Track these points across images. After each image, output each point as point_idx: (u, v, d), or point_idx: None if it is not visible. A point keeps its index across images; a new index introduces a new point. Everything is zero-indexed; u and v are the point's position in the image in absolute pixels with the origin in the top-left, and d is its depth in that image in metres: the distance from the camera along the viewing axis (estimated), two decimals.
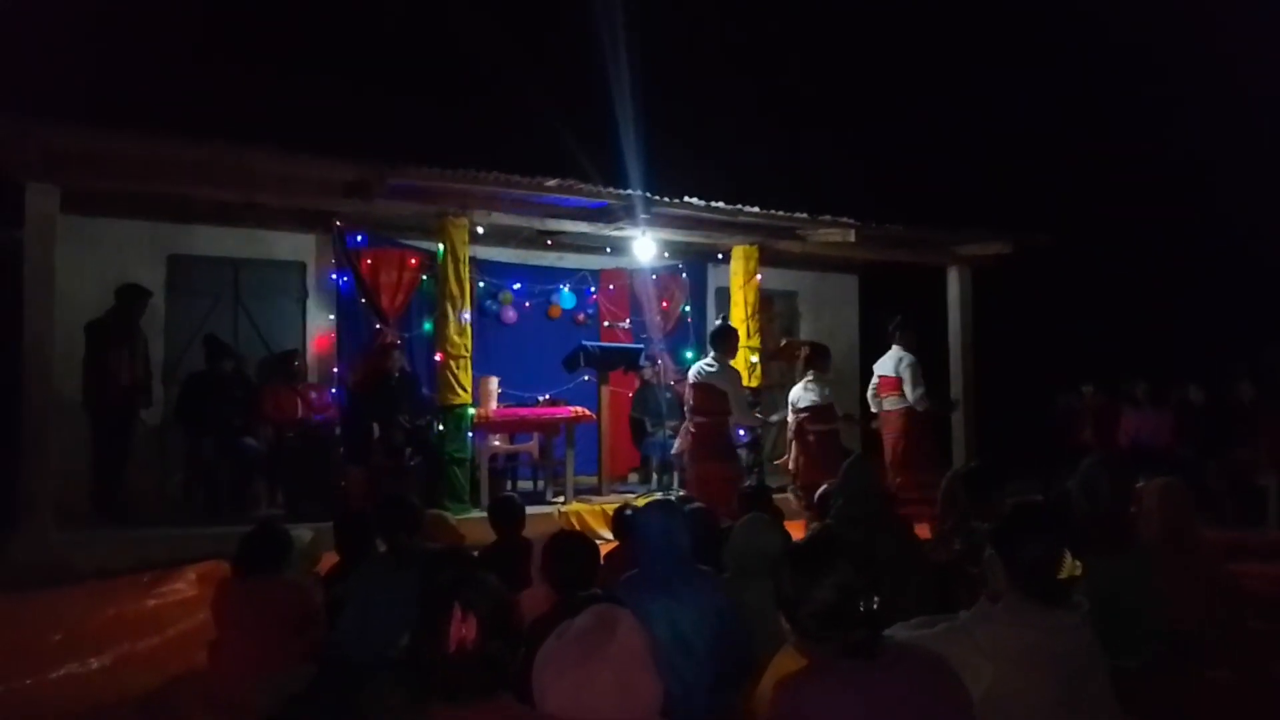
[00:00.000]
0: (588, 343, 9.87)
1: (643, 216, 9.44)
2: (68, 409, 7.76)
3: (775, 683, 2.40)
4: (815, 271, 13.16)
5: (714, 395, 8.01)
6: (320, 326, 10.13)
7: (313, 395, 9.01)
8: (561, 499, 9.11)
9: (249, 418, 8.50)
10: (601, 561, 4.05)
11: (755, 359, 10.17)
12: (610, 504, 8.41)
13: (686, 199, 9.57)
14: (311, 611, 4.30)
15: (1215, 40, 15.10)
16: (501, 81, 14.99)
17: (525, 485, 10.13)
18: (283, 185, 8.28)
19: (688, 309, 11.76)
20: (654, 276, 11.35)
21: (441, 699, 2.07)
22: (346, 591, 4.29)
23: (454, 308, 8.78)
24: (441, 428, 8.79)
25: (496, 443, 9.58)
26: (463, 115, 14.61)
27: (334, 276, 9.66)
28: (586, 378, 10.27)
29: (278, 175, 8.21)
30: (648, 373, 10.48)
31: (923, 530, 6.35)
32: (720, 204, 9.74)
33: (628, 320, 11.53)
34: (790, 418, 9.02)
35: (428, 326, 9.67)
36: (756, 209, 9.95)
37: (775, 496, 6.64)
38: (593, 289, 11.39)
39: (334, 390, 9.39)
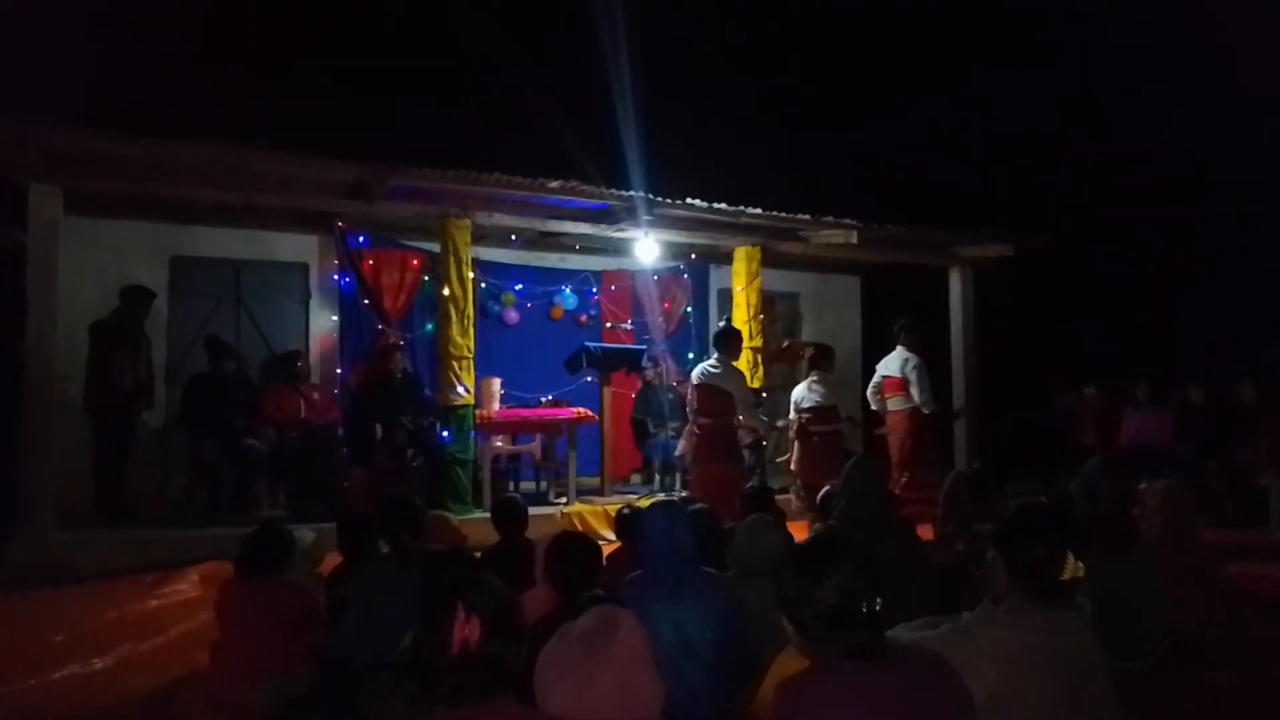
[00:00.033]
0: (590, 344, 9.87)
1: (645, 218, 9.45)
2: (69, 410, 7.77)
3: (777, 684, 2.40)
4: (817, 273, 13.17)
5: (718, 396, 8.02)
6: (322, 327, 10.14)
7: (315, 396, 9.01)
8: (564, 500, 9.11)
9: (251, 419, 8.49)
10: (604, 562, 4.06)
11: (758, 359, 10.17)
12: (612, 505, 8.43)
13: (688, 200, 9.58)
14: (314, 612, 4.30)
15: (1215, 40, 15.09)
16: (503, 82, 14.98)
17: (527, 486, 10.12)
18: (284, 186, 8.29)
19: (690, 310, 11.76)
20: (656, 278, 11.35)
21: (444, 700, 2.07)
22: (349, 592, 4.30)
23: (456, 309, 8.79)
24: (445, 433, 8.79)
25: (499, 444, 9.58)
26: (464, 116, 14.61)
27: (336, 278, 9.66)
28: (589, 379, 10.27)
29: (279, 176, 8.22)
30: (650, 374, 10.48)
31: (925, 531, 6.36)
32: (722, 205, 9.76)
33: (630, 321, 11.52)
34: (792, 417, 9.04)
35: (429, 327, 9.68)
36: (758, 210, 9.97)
37: (777, 498, 6.64)
38: (595, 290, 11.39)
39: (336, 391, 9.39)
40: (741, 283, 10.40)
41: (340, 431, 8.93)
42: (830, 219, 10.51)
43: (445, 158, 8.60)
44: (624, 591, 3.49)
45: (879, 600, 2.32)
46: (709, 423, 8.03)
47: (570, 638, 2.28)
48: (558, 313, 11.14)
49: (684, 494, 8.42)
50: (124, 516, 7.90)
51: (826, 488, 6.03)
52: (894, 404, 9.26)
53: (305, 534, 5.14)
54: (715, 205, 9.72)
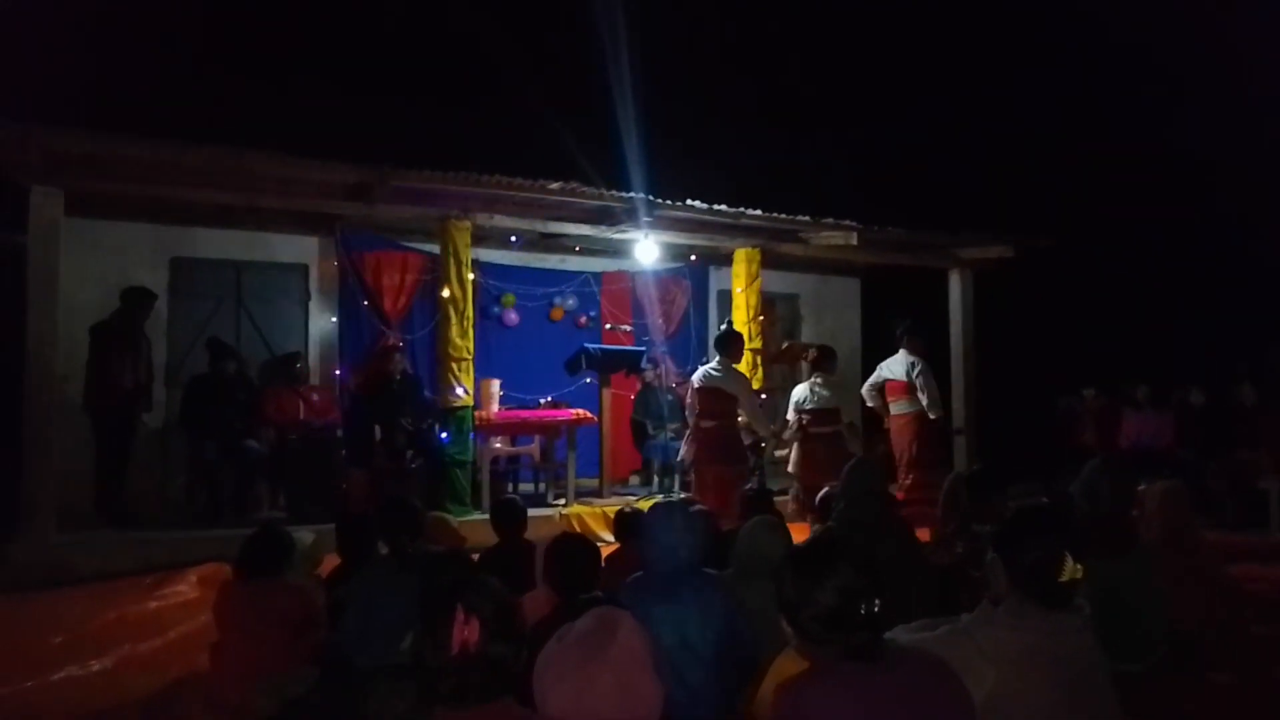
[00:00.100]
0: (589, 345, 9.87)
1: (645, 219, 9.46)
2: (70, 411, 7.77)
3: (776, 685, 2.40)
4: (817, 274, 13.18)
5: (721, 399, 8.03)
6: (322, 329, 10.14)
7: (315, 398, 9.01)
8: (563, 501, 9.11)
9: (251, 420, 8.49)
10: (603, 564, 4.06)
11: (758, 360, 10.18)
12: (611, 506, 8.43)
13: (689, 201, 9.59)
14: (313, 614, 4.30)
15: (1215, 40, 15.10)
16: (503, 84, 15.01)
17: (526, 488, 10.11)
18: (285, 188, 8.30)
19: (690, 312, 11.76)
20: (656, 279, 11.35)
21: (444, 702, 2.07)
22: (348, 594, 4.29)
23: (456, 310, 8.79)
24: (442, 430, 8.80)
25: (498, 445, 9.57)
26: (464, 118, 14.60)
27: (338, 279, 9.65)
28: (588, 380, 10.27)
29: (279, 178, 8.22)
30: (649, 375, 10.47)
31: (925, 533, 6.36)
32: (722, 207, 9.76)
33: (629, 323, 11.52)
34: (792, 418, 9.05)
35: (429, 329, 9.68)
36: (758, 211, 9.98)
37: (777, 499, 6.63)
38: (595, 291, 11.39)
39: (336, 393, 9.39)
40: (741, 284, 10.40)
41: (340, 433, 8.93)
42: (830, 220, 10.51)
43: (445, 159, 8.62)
44: (624, 593, 3.49)
45: (878, 602, 2.32)
46: (712, 425, 8.03)
47: (569, 639, 2.28)
48: (557, 314, 11.14)
49: (684, 495, 8.42)
50: (124, 518, 7.90)
51: (826, 489, 6.03)
52: (897, 408, 9.27)
53: (305, 535, 5.14)
54: (715, 207, 9.73)
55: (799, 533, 6.06)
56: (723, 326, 9.44)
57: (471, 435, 8.89)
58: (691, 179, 10.76)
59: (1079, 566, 2.69)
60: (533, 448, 9.96)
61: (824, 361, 9.15)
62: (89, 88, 11.29)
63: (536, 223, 9.48)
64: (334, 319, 9.83)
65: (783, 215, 10.20)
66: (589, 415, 9.45)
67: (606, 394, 9.71)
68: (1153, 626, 4.22)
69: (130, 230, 9.17)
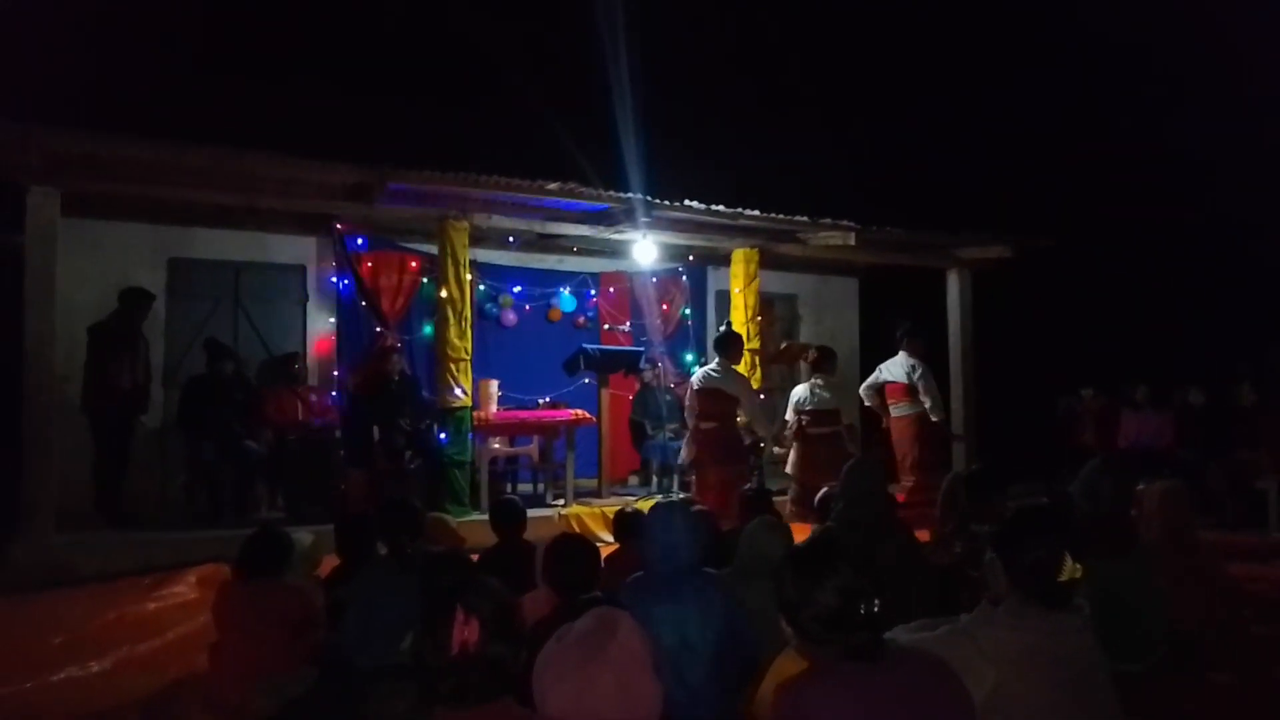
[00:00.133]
0: (588, 345, 9.87)
1: (643, 219, 9.46)
2: (69, 412, 7.77)
3: (776, 685, 2.40)
4: (815, 274, 13.18)
5: (722, 400, 8.04)
6: (321, 329, 10.14)
7: (313, 398, 9.01)
8: (561, 502, 9.10)
9: (250, 421, 8.49)
10: (602, 564, 4.06)
11: (757, 360, 10.17)
12: (610, 507, 8.43)
13: (687, 202, 9.59)
14: (312, 614, 4.30)
15: (1215, 40, 15.11)
16: (501, 84, 15.01)
17: (525, 488, 10.10)
18: (283, 189, 8.30)
19: (688, 312, 11.76)
20: (654, 279, 11.35)
21: (444, 702, 2.07)
22: (348, 594, 4.29)
23: (454, 311, 8.79)
24: (441, 430, 8.80)
25: (496, 445, 9.57)
26: (463, 118, 14.60)
27: (334, 279, 9.66)
28: (586, 380, 10.27)
29: (278, 179, 8.22)
30: (648, 375, 10.47)
31: (926, 534, 6.36)
32: (720, 207, 9.76)
33: (628, 323, 11.52)
34: (791, 418, 9.06)
35: (428, 329, 9.69)
36: (757, 212, 9.97)
37: (775, 499, 6.63)
38: (593, 292, 11.39)
39: (334, 393, 9.39)
40: (740, 284, 10.40)
41: (338, 433, 8.93)
42: (828, 220, 10.51)
43: (444, 160, 8.61)
44: (624, 593, 3.49)
45: (878, 602, 2.32)
46: (712, 427, 8.04)
47: (569, 640, 2.28)
48: (555, 315, 11.14)
49: (682, 495, 8.42)
50: (123, 518, 7.91)
51: (825, 489, 6.03)
52: (897, 410, 9.27)
53: (304, 536, 5.14)
54: (713, 207, 9.72)
55: (799, 533, 6.06)
56: (722, 328, 9.44)
57: (470, 436, 8.88)
58: (690, 179, 10.76)
59: (1078, 566, 2.69)
60: (531, 448, 9.96)
61: (824, 363, 9.16)
62: (88, 88, 11.28)
63: (535, 223, 9.48)
64: (332, 319, 9.82)
65: (781, 215, 10.20)
66: (587, 416, 9.45)
67: (605, 394, 9.71)
68: (1153, 626, 4.22)
69: (128, 231, 9.17)
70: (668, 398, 10.38)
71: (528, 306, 10.90)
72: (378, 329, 9.55)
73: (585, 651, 2.24)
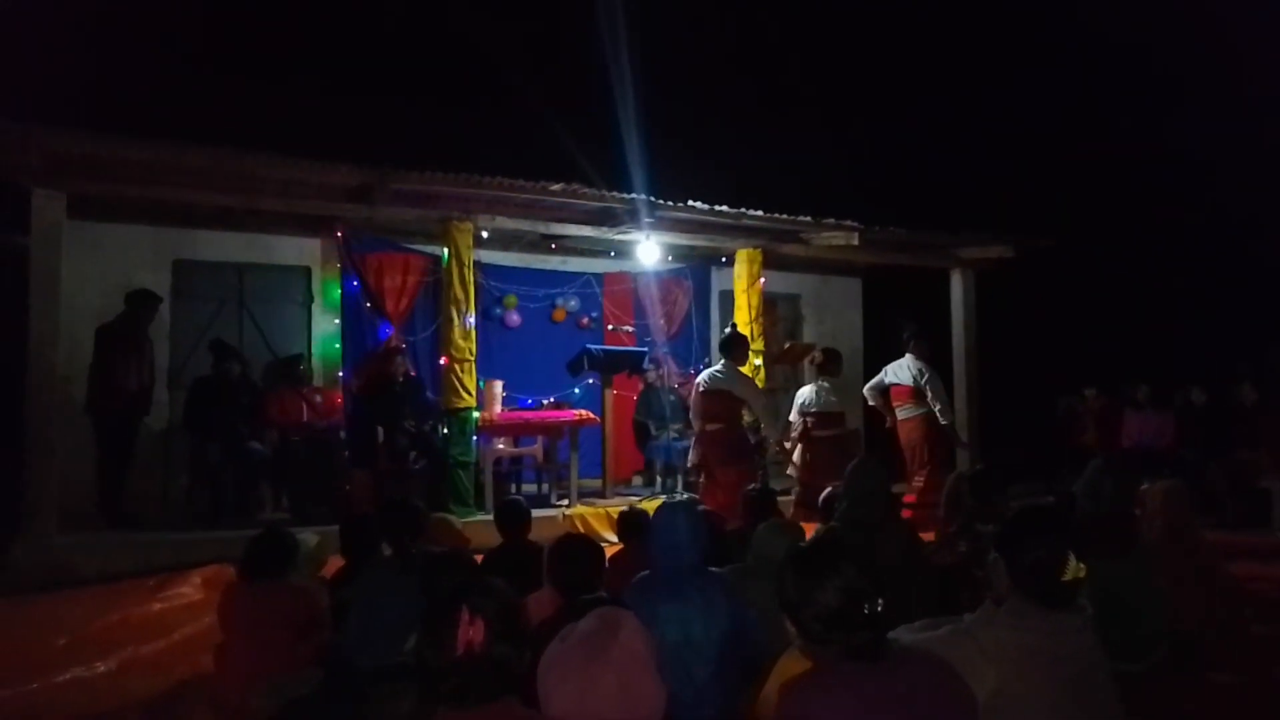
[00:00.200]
0: (592, 346, 9.87)
1: (646, 220, 9.47)
2: (72, 413, 7.78)
3: (779, 685, 2.41)
4: (818, 274, 13.18)
5: (727, 401, 8.04)
6: (325, 331, 10.14)
7: (317, 399, 9.02)
8: (565, 502, 9.11)
9: (254, 422, 8.50)
10: (606, 564, 4.07)
11: (759, 362, 10.17)
12: (614, 507, 8.44)
13: (690, 202, 9.60)
14: (317, 615, 4.30)
15: (1215, 40, 15.11)
16: (505, 85, 15.01)
17: (529, 488, 10.10)
18: (287, 190, 8.31)
19: (691, 312, 11.76)
20: (657, 280, 11.35)
21: (448, 702, 2.07)
22: (352, 595, 4.30)
23: (459, 312, 8.81)
24: (446, 431, 8.81)
25: (501, 446, 9.58)
26: (466, 119, 14.62)
27: (340, 281, 9.66)
28: (590, 381, 10.29)
29: (281, 180, 8.24)
30: (651, 376, 10.48)
31: (924, 533, 6.37)
32: (724, 207, 9.77)
33: (632, 324, 11.53)
34: (795, 419, 9.06)
35: (431, 330, 9.70)
36: (760, 212, 9.99)
37: (779, 499, 6.64)
38: (597, 292, 11.39)
39: (339, 395, 9.40)
40: (743, 285, 10.41)
41: (342, 434, 8.94)
42: (831, 221, 10.52)
43: (447, 161, 8.63)
44: (630, 593, 3.50)
45: (880, 602, 2.32)
46: (718, 428, 8.04)
47: (571, 640, 2.29)
48: (560, 315, 11.14)
49: (687, 495, 8.43)
50: (126, 519, 7.91)
51: (828, 489, 6.04)
52: (903, 412, 9.27)
53: (308, 537, 5.15)
54: (717, 207, 9.74)
55: (808, 534, 6.07)
56: (727, 329, 9.44)
57: (474, 436, 8.90)
58: (693, 180, 10.79)
59: (1080, 566, 2.69)
60: (535, 449, 9.96)
61: (830, 365, 9.18)
62: (89, 89, 11.31)
63: (538, 224, 9.48)
64: (336, 321, 9.83)
65: (784, 215, 10.21)
66: (591, 416, 9.45)
67: (609, 395, 9.71)
68: (1153, 626, 4.23)
69: (132, 232, 9.18)
70: (671, 398, 10.39)
71: (532, 307, 10.90)
72: (382, 330, 9.56)
73: (588, 652, 2.25)
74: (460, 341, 8.80)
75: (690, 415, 8.87)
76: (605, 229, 9.67)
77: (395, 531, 4.69)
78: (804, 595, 2.38)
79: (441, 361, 8.94)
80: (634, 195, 9.25)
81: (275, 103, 13.03)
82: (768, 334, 10.84)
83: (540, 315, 11.01)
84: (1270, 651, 4.98)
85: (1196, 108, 16.26)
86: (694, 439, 8.47)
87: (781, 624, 2.51)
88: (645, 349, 10.58)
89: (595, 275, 11.34)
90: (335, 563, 5.27)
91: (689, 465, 9.23)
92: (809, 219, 10.41)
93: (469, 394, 8.80)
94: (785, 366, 12.31)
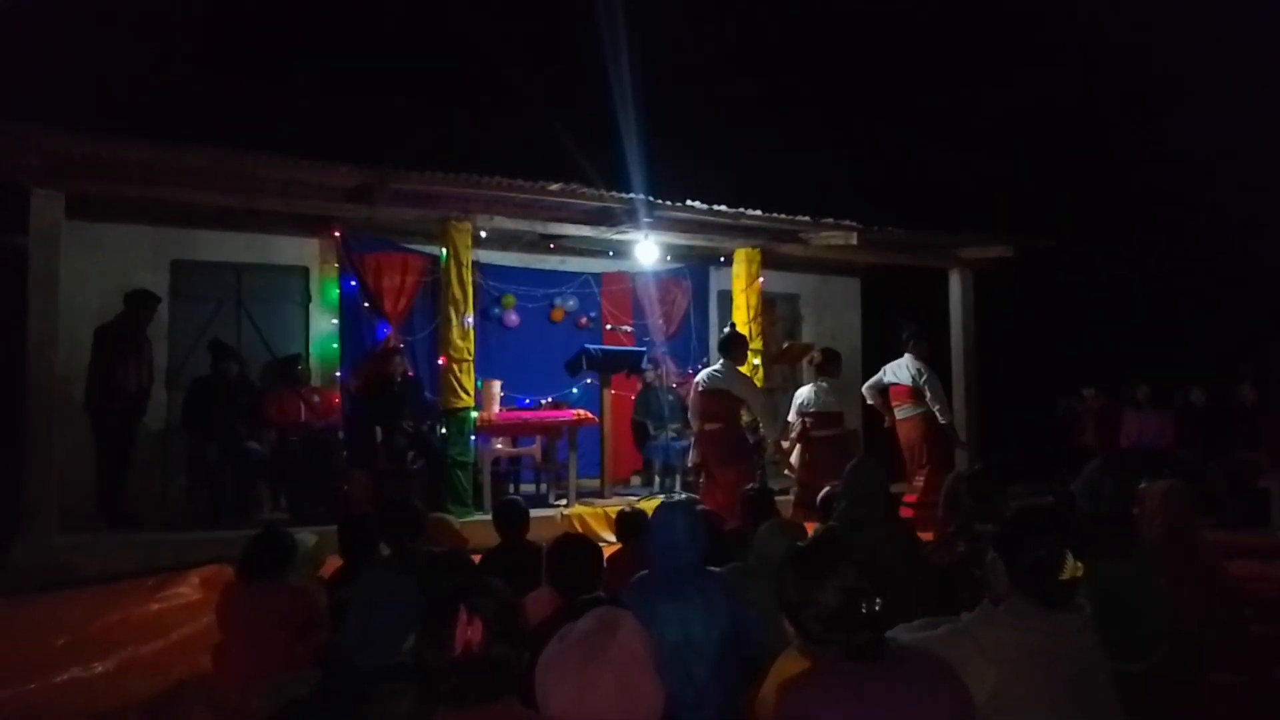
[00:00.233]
0: (590, 346, 9.86)
1: (645, 220, 9.47)
2: (71, 413, 7.77)
3: (778, 685, 2.40)
4: (817, 274, 13.18)
5: (726, 401, 8.04)
6: (323, 331, 10.14)
7: (315, 399, 9.01)
8: (564, 502, 9.11)
9: (253, 422, 8.50)
10: (604, 564, 4.07)
11: (758, 361, 10.17)
12: (613, 507, 8.43)
13: (689, 202, 9.60)
14: (315, 615, 4.30)
15: (1215, 40, 15.11)
16: (503, 85, 15.02)
17: (528, 488, 10.11)
18: (285, 191, 8.31)
19: (690, 312, 11.76)
20: (656, 280, 11.35)
21: (447, 702, 2.07)
22: (350, 595, 4.29)
23: (457, 312, 8.81)
24: (444, 431, 8.81)
25: (499, 446, 9.58)
26: (464, 119, 14.62)
27: (339, 281, 9.66)
28: (589, 381, 10.28)
29: (280, 181, 8.23)
30: (650, 376, 10.48)
31: (926, 533, 6.37)
32: (722, 207, 9.77)
33: (630, 324, 11.53)
34: (794, 419, 9.06)
35: (430, 330, 9.70)
36: (759, 212, 9.98)
37: (778, 499, 6.63)
38: (595, 292, 11.38)
39: (336, 395, 9.39)
40: (742, 284, 10.41)
41: (341, 434, 8.94)
42: (830, 220, 10.52)
43: (445, 161, 8.62)
44: (631, 592, 3.49)
45: (879, 601, 2.32)
46: (716, 428, 8.04)
47: (570, 640, 2.29)
48: (558, 315, 11.14)
49: (685, 495, 8.43)
50: (125, 519, 7.91)
51: (827, 489, 6.04)
52: (902, 412, 9.28)
53: (306, 537, 5.15)
54: (715, 207, 9.74)
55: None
56: (726, 329, 9.45)
57: (473, 436, 8.89)
58: (691, 179, 10.79)
59: (1079, 565, 2.69)
60: (534, 448, 9.96)
61: (829, 365, 9.18)
62: (89, 89, 11.30)
63: (537, 224, 9.48)
64: (334, 321, 9.83)
65: (782, 215, 10.21)
66: (590, 416, 9.46)
67: (607, 394, 9.71)
68: (1153, 626, 4.23)
69: (130, 232, 9.17)
70: (670, 398, 10.38)
71: (530, 307, 10.90)
72: (380, 330, 9.55)
73: (586, 652, 2.25)
74: (458, 341, 8.80)
75: (689, 415, 8.87)
76: (604, 229, 9.67)
77: (394, 531, 4.69)
78: (803, 595, 2.38)
79: (440, 361, 8.94)
80: (632, 195, 9.25)
81: (275, 103, 13.03)
82: (766, 334, 10.83)
83: (538, 315, 11.00)
84: (1270, 651, 4.98)
85: (1196, 108, 16.27)
86: (693, 439, 8.47)
87: (782, 624, 2.51)
88: (644, 349, 10.58)
89: (594, 275, 11.34)
90: (333, 563, 5.27)
91: (689, 465, 9.23)
92: (807, 219, 10.41)
93: (467, 394, 8.80)
94: (784, 366, 12.32)
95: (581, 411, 9.51)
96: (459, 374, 8.76)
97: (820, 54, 18.27)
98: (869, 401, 9.73)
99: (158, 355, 8.81)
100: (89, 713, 4.47)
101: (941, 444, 9.16)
